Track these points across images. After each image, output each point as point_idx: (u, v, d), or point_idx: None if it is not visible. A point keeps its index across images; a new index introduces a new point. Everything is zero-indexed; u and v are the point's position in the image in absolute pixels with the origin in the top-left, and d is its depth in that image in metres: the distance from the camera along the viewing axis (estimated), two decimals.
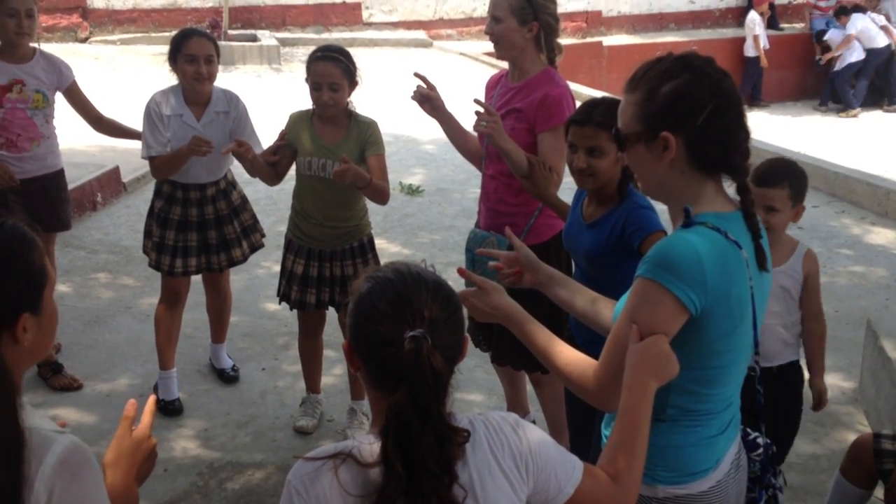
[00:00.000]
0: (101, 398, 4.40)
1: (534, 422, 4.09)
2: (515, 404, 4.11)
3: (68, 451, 1.50)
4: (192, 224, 4.15)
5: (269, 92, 10.12)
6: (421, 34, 14.07)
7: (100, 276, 5.79)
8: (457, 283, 2.20)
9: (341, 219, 3.88)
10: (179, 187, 4.11)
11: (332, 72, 3.68)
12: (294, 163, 3.91)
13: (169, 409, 4.27)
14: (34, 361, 1.65)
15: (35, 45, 4.35)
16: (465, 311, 1.76)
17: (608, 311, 2.24)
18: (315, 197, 3.86)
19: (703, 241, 1.84)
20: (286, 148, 3.88)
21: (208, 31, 12.14)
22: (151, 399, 1.80)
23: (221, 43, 11.74)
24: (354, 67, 3.76)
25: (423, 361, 1.51)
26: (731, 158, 1.93)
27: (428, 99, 3.61)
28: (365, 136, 3.80)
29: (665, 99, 1.89)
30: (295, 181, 3.96)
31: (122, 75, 10.56)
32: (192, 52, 3.90)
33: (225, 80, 10.94)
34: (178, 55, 3.92)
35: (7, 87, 4.20)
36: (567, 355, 2.02)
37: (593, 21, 15.37)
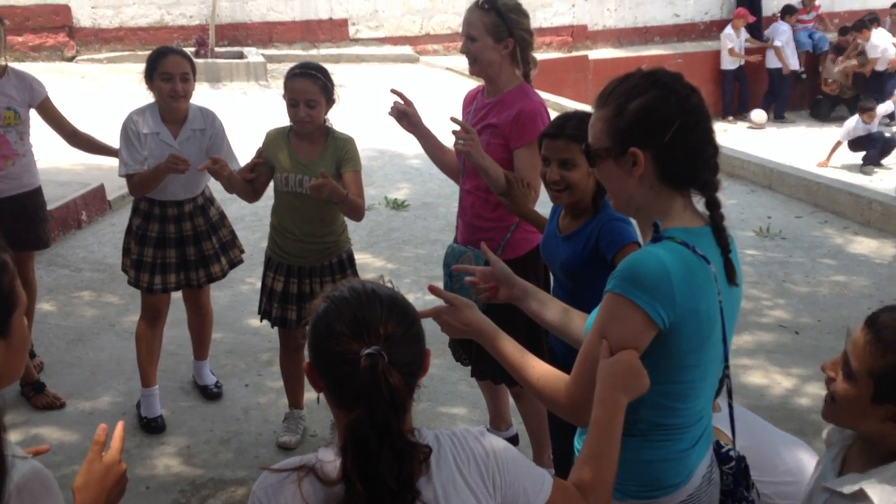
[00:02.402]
0: (83, 416, 4.39)
1: (516, 435, 4.12)
2: (497, 418, 4.11)
3: (27, 478, 1.49)
4: (171, 241, 4.14)
5: (256, 108, 10.13)
6: (407, 49, 14.11)
7: (84, 295, 5.77)
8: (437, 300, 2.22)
9: (319, 234, 3.89)
10: (157, 204, 4.11)
11: (309, 88, 3.69)
12: (272, 180, 3.92)
13: (151, 427, 4.26)
14: (4, 385, 1.63)
15: (4, 62, 4.33)
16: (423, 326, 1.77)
17: (578, 322, 2.25)
18: (293, 213, 3.87)
19: (671, 256, 1.85)
20: (263, 165, 3.89)
21: (195, 48, 12.23)
22: (120, 425, 1.80)
23: (208, 60, 11.93)
24: (332, 85, 3.77)
25: (379, 378, 1.52)
26: (699, 173, 1.95)
27: (405, 114, 3.62)
28: (341, 152, 3.81)
29: (633, 115, 1.91)
30: (273, 198, 3.97)
31: (109, 94, 10.55)
32: (168, 70, 3.92)
33: (212, 96, 11.03)
34: (154, 73, 3.94)
35: None
36: (539, 370, 2.03)
37: (579, 35, 15.44)
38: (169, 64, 3.92)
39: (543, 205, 3.16)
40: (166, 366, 4.72)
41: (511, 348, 2.08)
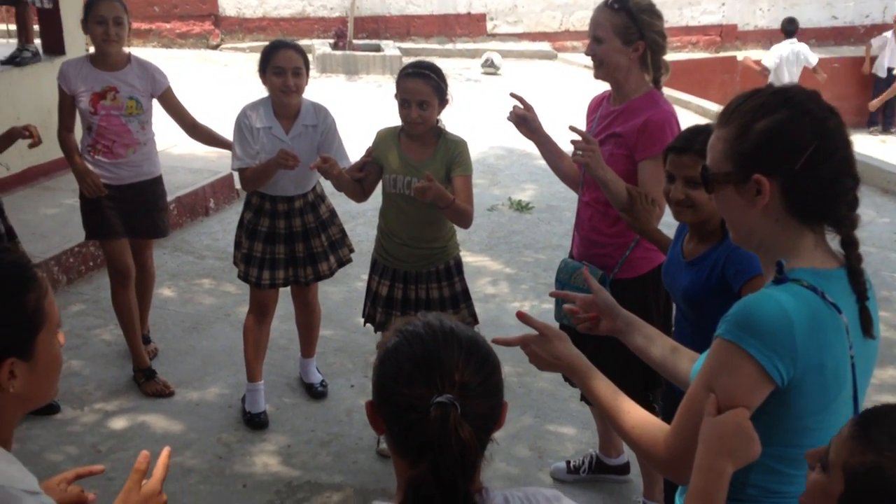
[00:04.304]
0: (190, 406, 4.41)
1: (627, 463, 3.90)
2: (608, 444, 3.89)
3: None
4: (280, 236, 4.10)
5: (390, 101, 10.12)
6: (545, 46, 13.86)
7: (204, 282, 5.85)
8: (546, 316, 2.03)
9: (427, 239, 3.75)
10: (267, 199, 4.07)
11: (421, 89, 3.55)
12: (380, 180, 3.81)
13: (254, 422, 4.24)
14: (26, 409, 1.54)
15: (128, 51, 4.38)
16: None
17: (686, 363, 2.02)
18: (400, 215, 3.74)
19: (795, 302, 1.60)
20: (372, 165, 3.77)
21: (334, 40, 12.36)
22: (166, 451, 1.69)
23: (346, 52, 12.04)
24: (445, 85, 3.62)
25: (450, 432, 1.34)
26: (834, 208, 1.69)
27: (524, 120, 3.43)
28: (452, 155, 3.65)
29: (759, 137, 1.67)
30: (381, 199, 3.86)
31: (248, 83, 10.76)
32: (280, 65, 3.86)
33: (348, 88, 11.13)
34: (267, 67, 3.89)
35: (101, 95, 4.23)
36: (635, 416, 1.82)
37: (728, 35, 14.80)
38: (281, 58, 3.86)
39: (667, 217, 2.91)
40: (275, 360, 4.71)
41: (605, 389, 1.88)
